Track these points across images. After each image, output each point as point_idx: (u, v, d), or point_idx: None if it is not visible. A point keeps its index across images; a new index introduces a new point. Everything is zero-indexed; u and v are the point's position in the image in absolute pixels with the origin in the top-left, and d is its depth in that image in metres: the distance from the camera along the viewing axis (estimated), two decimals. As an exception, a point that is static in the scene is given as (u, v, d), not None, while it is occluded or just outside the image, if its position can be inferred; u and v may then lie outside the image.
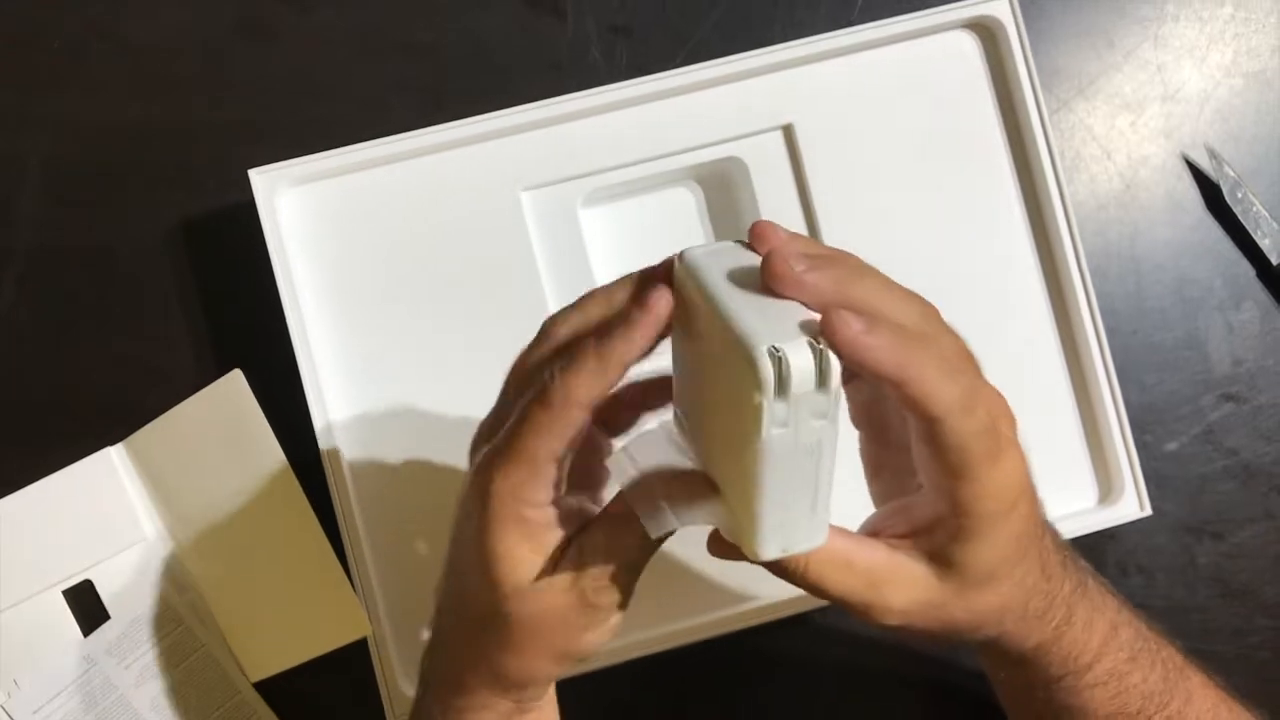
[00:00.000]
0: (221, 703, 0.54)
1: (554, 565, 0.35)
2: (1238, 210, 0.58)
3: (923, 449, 0.33)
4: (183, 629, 0.54)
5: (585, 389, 0.33)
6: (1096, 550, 0.56)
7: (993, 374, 0.48)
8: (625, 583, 0.36)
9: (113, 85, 0.57)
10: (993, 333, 0.54)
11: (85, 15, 0.57)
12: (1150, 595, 0.57)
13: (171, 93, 0.57)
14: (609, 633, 0.37)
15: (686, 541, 0.49)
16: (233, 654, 0.54)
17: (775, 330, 0.30)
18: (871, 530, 0.37)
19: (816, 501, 0.32)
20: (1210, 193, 0.58)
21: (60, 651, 0.53)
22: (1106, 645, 0.39)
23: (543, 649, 0.36)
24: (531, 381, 0.34)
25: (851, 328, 0.29)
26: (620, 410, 0.40)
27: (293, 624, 0.53)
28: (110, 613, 0.54)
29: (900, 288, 0.33)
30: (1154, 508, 0.54)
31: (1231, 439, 0.58)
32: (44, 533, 0.53)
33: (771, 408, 0.29)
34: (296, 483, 0.52)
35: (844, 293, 0.32)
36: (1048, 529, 0.38)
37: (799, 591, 0.36)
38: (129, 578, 0.53)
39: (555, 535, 0.35)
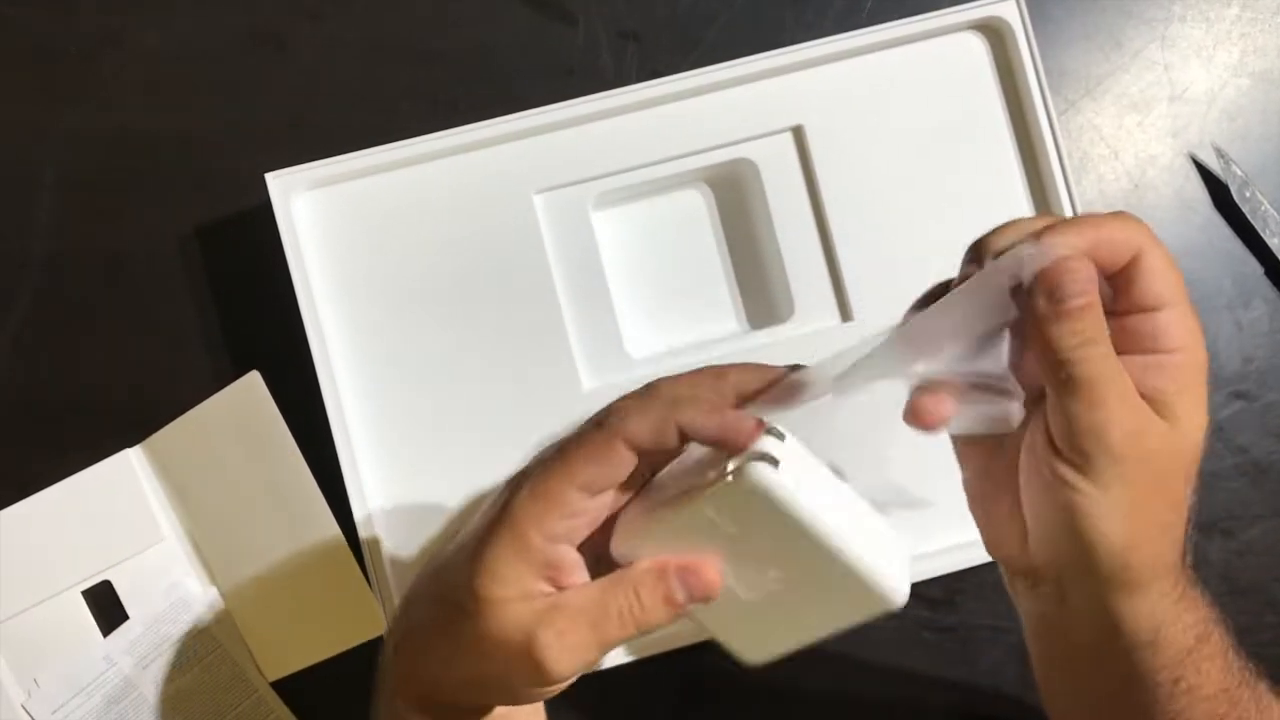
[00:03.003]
0: (239, 701, 0.54)
1: (531, 598, 0.34)
2: (1246, 209, 0.58)
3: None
4: (200, 628, 0.54)
5: (638, 427, 0.33)
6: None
7: (1002, 372, 0.49)
8: (590, 652, 0.34)
9: (126, 94, 0.58)
10: (1002, 332, 0.55)
11: (99, 25, 0.58)
12: (1161, 593, 0.57)
13: (184, 100, 0.58)
14: (551, 690, 0.35)
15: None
16: (250, 653, 0.54)
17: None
18: None
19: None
20: (1218, 192, 0.59)
21: (80, 651, 0.54)
22: (1212, 613, 0.39)
23: (478, 675, 0.35)
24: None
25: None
26: None
27: (310, 623, 0.53)
28: (129, 613, 0.54)
29: None
30: (1164, 505, 0.54)
31: (1241, 437, 0.58)
32: (64, 534, 0.54)
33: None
34: (313, 482, 0.53)
35: None
36: None
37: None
38: (147, 578, 0.54)
39: (546, 574, 0.34)
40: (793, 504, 0.32)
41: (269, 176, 0.52)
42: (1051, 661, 0.41)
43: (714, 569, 0.34)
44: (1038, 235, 0.34)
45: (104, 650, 0.54)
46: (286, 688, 0.54)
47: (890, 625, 0.56)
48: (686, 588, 0.34)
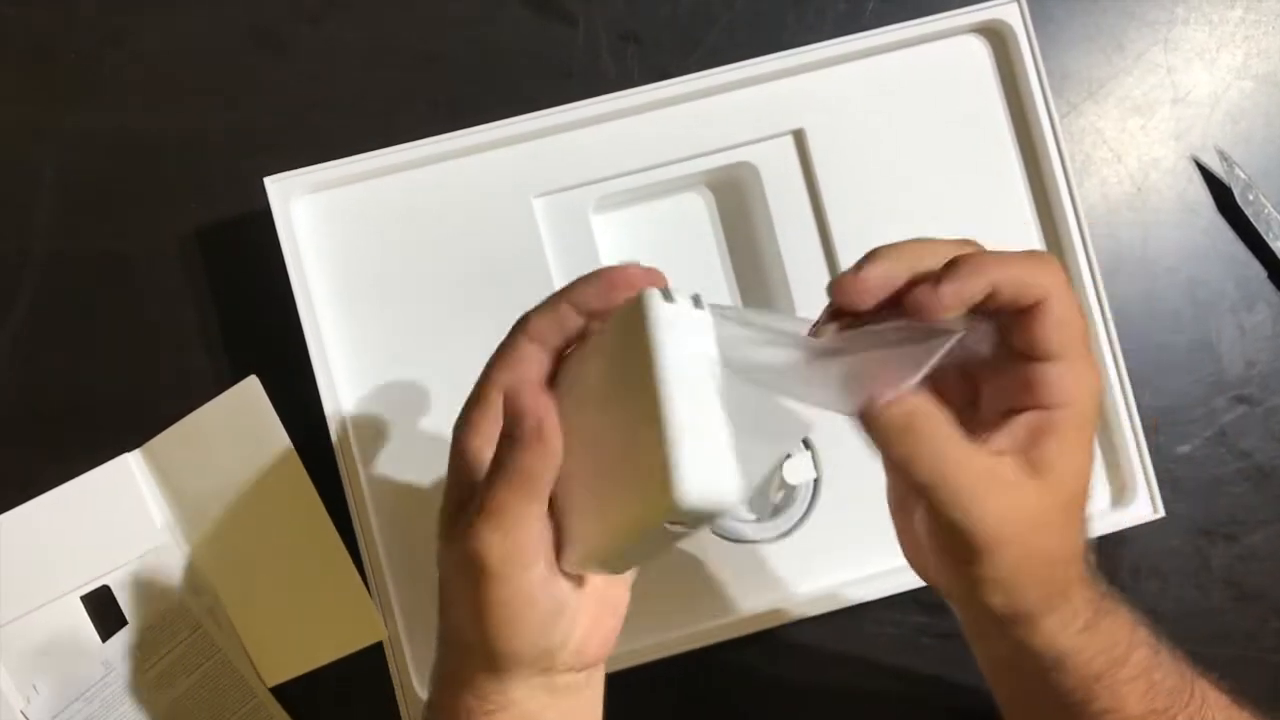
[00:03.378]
0: (238, 707, 0.54)
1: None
2: (1249, 212, 0.58)
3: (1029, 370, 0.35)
4: (199, 634, 0.54)
5: (538, 324, 0.35)
6: (1110, 553, 0.56)
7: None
8: (509, 516, 0.34)
9: (127, 96, 0.57)
10: (1004, 336, 0.54)
11: (100, 27, 0.58)
12: (1163, 598, 0.57)
13: (185, 103, 0.57)
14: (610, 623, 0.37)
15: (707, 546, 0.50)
16: (249, 658, 0.54)
17: None
18: None
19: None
20: (1221, 195, 0.58)
21: (78, 657, 0.54)
22: (1134, 637, 0.39)
23: (522, 616, 0.35)
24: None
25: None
26: None
27: (308, 628, 0.53)
28: (128, 618, 0.54)
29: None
30: (1167, 510, 0.54)
31: (1245, 441, 0.58)
32: (62, 539, 0.54)
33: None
34: (312, 487, 0.53)
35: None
36: None
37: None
38: (146, 583, 0.54)
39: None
40: (655, 336, 0.31)
41: (268, 180, 0.52)
42: (984, 664, 0.42)
43: (539, 394, 0.34)
44: (935, 282, 0.33)
45: (103, 655, 0.54)
46: (286, 693, 0.54)
47: (891, 630, 0.56)
48: (512, 413, 0.34)
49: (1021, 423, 0.35)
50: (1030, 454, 0.34)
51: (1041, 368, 0.34)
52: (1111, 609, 0.38)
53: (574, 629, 0.37)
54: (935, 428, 0.33)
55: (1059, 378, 0.34)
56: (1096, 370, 0.35)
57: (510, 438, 0.34)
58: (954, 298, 0.33)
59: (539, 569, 0.35)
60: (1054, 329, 0.34)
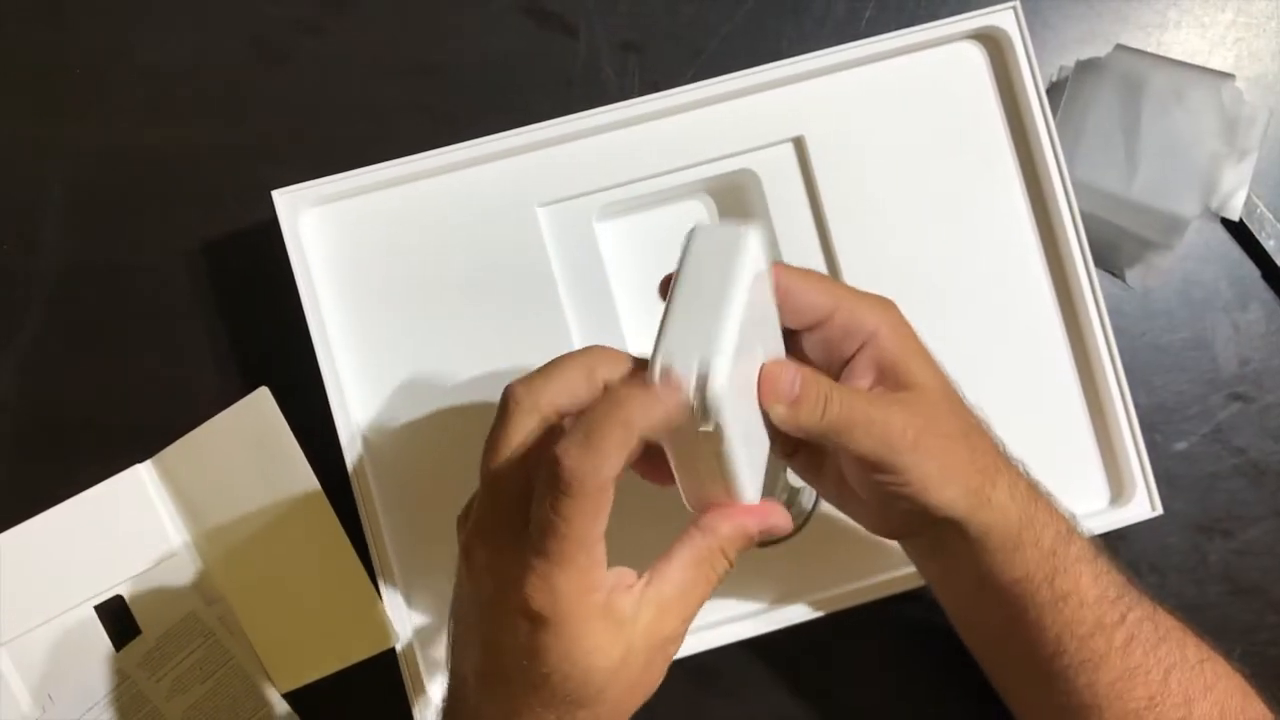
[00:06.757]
0: (251, 714, 0.55)
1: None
2: (1242, 212, 0.58)
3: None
4: (212, 642, 0.55)
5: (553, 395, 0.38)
6: (1108, 550, 0.57)
7: (1003, 377, 0.51)
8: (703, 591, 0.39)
9: (132, 110, 0.58)
10: (1002, 337, 0.55)
11: (103, 41, 0.58)
12: (1161, 594, 0.57)
13: (189, 116, 0.58)
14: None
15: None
16: (262, 665, 0.54)
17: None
18: None
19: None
20: (1215, 196, 0.59)
21: (93, 666, 0.54)
22: (1072, 526, 0.45)
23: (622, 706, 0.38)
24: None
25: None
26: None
27: (321, 635, 0.54)
28: (141, 627, 0.55)
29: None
30: (1164, 507, 0.54)
31: (1240, 438, 0.58)
32: (75, 550, 0.54)
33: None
34: (323, 496, 0.53)
35: None
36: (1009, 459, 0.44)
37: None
38: (159, 592, 0.54)
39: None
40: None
41: (276, 194, 0.52)
42: (956, 610, 0.48)
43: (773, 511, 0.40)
44: None
45: (117, 664, 0.54)
46: (298, 699, 0.55)
47: (896, 628, 0.57)
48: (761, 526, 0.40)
49: (862, 359, 0.41)
50: (887, 380, 0.41)
51: (832, 324, 0.41)
52: (1046, 493, 0.44)
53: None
54: (841, 395, 0.39)
55: (848, 319, 0.41)
56: (874, 298, 0.42)
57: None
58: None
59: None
60: (800, 294, 0.41)
